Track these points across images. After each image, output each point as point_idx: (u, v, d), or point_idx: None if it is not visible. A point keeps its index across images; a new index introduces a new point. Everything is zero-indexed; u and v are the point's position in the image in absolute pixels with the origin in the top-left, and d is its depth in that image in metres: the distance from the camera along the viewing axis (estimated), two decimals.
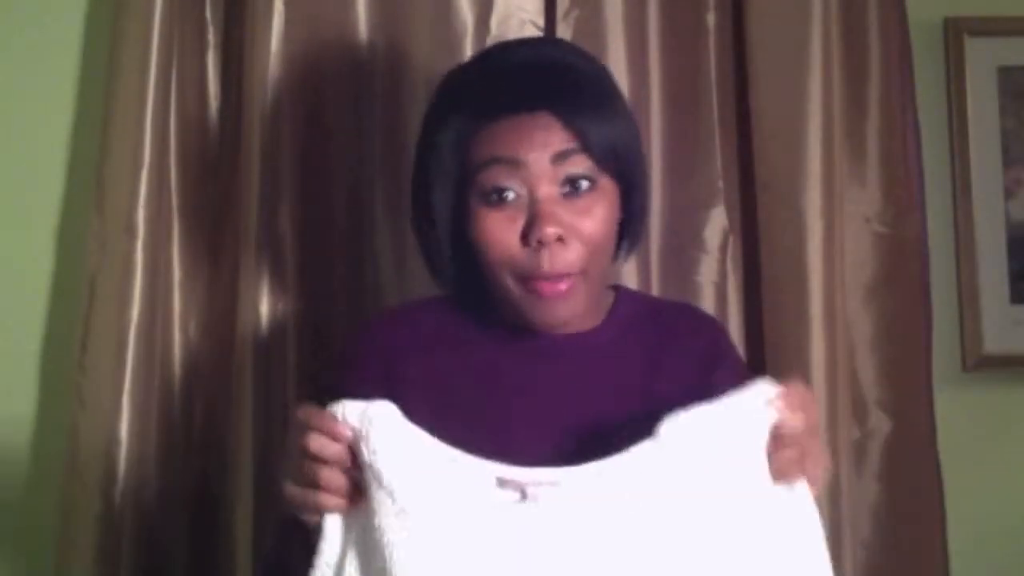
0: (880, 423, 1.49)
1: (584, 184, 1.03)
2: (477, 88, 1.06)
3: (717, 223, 1.51)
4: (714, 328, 1.23)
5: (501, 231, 1.02)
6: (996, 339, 1.59)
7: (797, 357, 1.43)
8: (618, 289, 1.19)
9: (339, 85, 1.47)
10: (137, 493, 1.40)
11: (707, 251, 1.51)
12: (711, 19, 1.53)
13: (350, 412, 0.89)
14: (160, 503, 1.42)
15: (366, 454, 0.88)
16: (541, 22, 1.49)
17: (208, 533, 1.45)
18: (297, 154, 1.44)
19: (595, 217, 1.03)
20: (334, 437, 0.90)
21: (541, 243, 1.01)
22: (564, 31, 1.48)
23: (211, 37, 1.51)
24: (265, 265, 1.41)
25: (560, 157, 1.01)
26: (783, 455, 0.91)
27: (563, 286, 1.03)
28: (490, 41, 1.47)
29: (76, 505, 1.39)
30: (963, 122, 1.61)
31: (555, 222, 1.00)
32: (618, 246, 1.12)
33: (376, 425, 0.88)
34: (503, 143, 1.01)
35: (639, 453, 0.90)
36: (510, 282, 1.04)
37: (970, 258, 1.59)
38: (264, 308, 1.41)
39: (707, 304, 1.49)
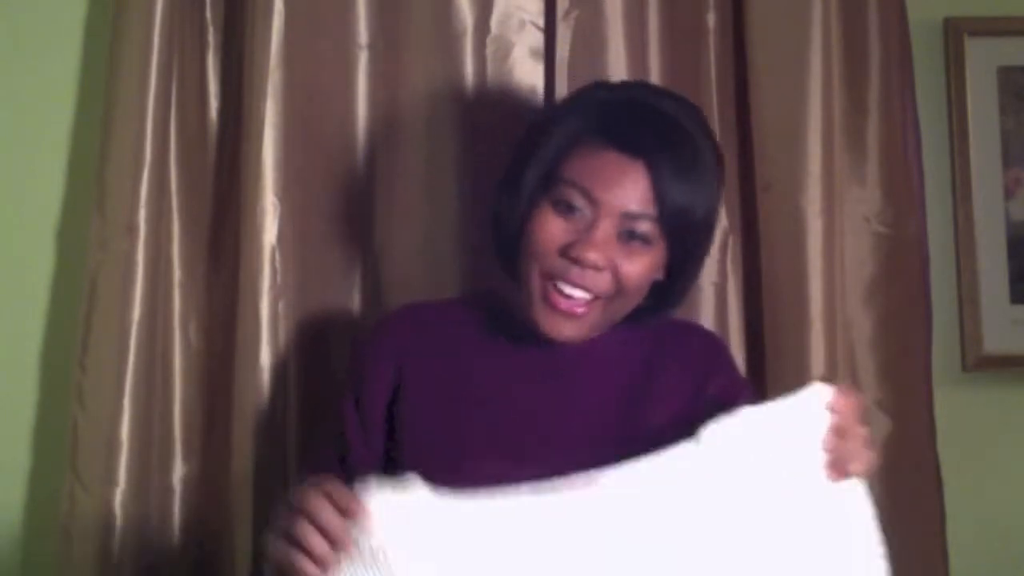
0: (880, 423, 1.49)
1: (640, 240, 1.08)
2: (600, 108, 1.12)
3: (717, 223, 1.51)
4: (710, 340, 1.25)
5: (553, 230, 1.07)
6: (996, 339, 1.59)
7: (797, 357, 1.43)
8: None
9: (339, 85, 1.47)
10: (137, 493, 1.40)
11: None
12: (711, 19, 1.53)
13: (375, 497, 0.91)
14: (160, 503, 1.42)
15: (375, 540, 0.89)
16: (541, 22, 1.49)
17: (208, 533, 1.45)
18: (297, 154, 1.44)
19: (637, 265, 1.08)
20: (346, 514, 0.91)
21: (578, 261, 1.05)
22: (564, 31, 1.48)
23: (211, 38, 1.51)
24: (265, 265, 1.41)
25: (632, 216, 1.06)
26: (840, 452, 0.96)
27: (579, 309, 1.07)
28: (490, 41, 1.47)
29: (76, 505, 1.38)
30: (963, 122, 1.60)
31: (600, 252, 1.05)
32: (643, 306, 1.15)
33: (394, 514, 0.90)
34: (595, 175, 1.07)
35: (679, 455, 0.94)
36: (536, 279, 1.08)
37: (970, 258, 1.59)
38: (264, 308, 1.41)
39: (707, 304, 1.49)
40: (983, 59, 1.61)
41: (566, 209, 1.07)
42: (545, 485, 0.93)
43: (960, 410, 1.56)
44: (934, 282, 1.54)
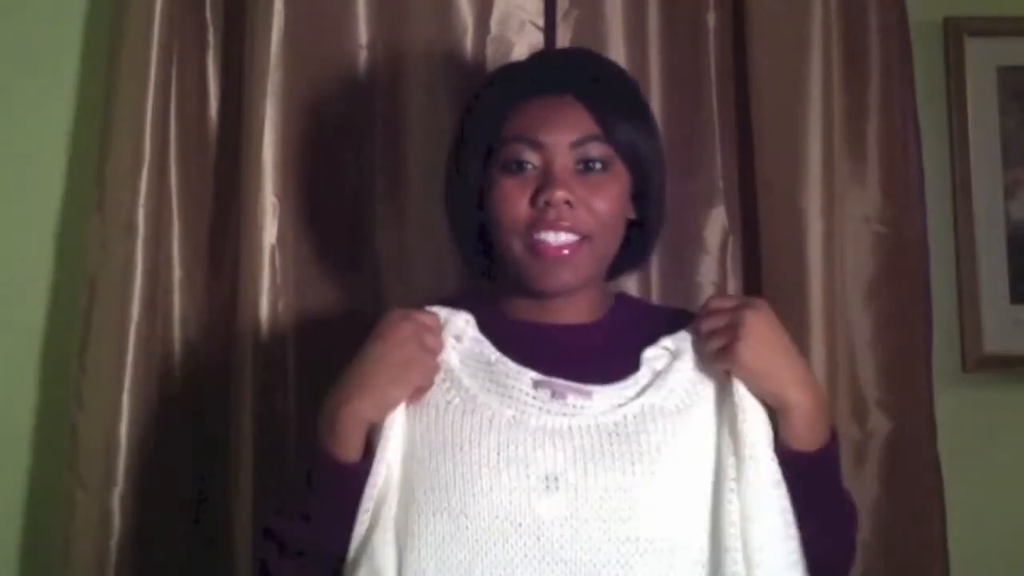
0: (880, 423, 1.49)
1: (598, 165, 1.09)
2: (515, 71, 1.20)
3: (717, 223, 1.51)
4: None
5: (514, 194, 1.08)
6: (996, 339, 1.59)
7: None
8: (620, 295, 1.21)
9: (339, 85, 1.48)
10: (137, 494, 1.40)
11: (707, 251, 1.51)
12: (711, 19, 1.53)
13: (442, 315, 1.09)
14: (160, 503, 1.42)
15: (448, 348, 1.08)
16: (541, 22, 1.49)
17: (208, 534, 1.45)
18: (297, 154, 1.44)
19: (604, 194, 1.09)
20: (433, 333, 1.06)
21: (549, 204, 1.06)
22: (564, 31, 1.48)
23: (211, 38, 1.51)
24: (265, 265, 1.41)
25: (580, 142, 1.08)
26: (701, 327, 1.06)
27: (565, 249, 1.07)
28: (490, 41, 1.48)
29: (76, 505, 1.39)
30: (963, 122, 1.60)
31: (565, 187, 1.06)
32: (626, 254, 1.15)
33: (457, 327, 1.09)
34: (529, 123, 1.09)
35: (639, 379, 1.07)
36: (517, 246, 1.09)
37: (970, 258, 1.59)
38: (264, 308, 1.41)
39: None
40: (983, 59, 1.61)
41: (517, 168, 1.08)
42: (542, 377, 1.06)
43: (960, 410, 1.56)
44: (934, 282, 1.54)
